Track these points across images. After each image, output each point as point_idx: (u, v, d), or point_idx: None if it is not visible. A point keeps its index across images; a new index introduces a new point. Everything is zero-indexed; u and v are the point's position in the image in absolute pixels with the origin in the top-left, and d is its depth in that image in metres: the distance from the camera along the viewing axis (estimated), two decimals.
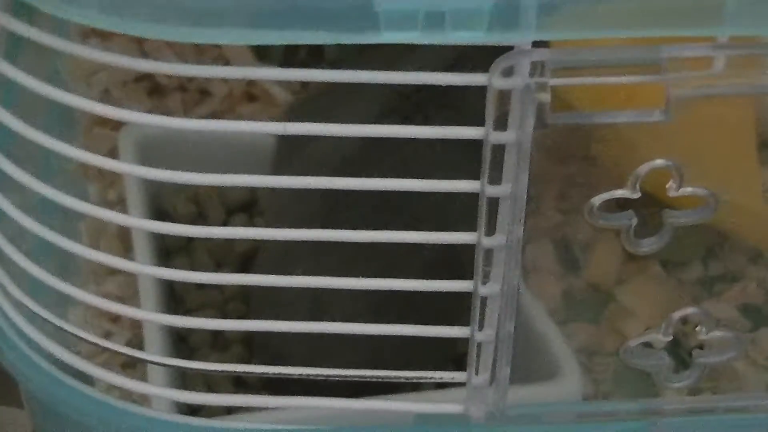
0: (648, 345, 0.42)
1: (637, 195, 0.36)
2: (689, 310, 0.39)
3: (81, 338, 0.43)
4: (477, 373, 0.39)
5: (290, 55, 0.55)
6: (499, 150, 0.35)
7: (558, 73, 0.34)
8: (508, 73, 0.34)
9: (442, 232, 0.37)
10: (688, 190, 0.36)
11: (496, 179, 0.36)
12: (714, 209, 0.36)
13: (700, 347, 0.42)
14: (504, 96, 0.35)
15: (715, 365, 0.40)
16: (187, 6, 0.33)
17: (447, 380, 0.40)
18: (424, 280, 0.38)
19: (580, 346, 0.52)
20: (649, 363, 0.40)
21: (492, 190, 0.36)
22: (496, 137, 0.35)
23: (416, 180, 0.36)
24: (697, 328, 0.40)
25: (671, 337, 0.40)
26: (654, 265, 0.54)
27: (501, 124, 0.35)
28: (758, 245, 0.55)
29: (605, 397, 0.50)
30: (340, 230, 0.38)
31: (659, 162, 0.36)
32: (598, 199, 0.36)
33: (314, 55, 0.55)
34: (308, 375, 0.41)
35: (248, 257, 0.52)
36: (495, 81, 0.34)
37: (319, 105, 0.46)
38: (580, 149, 0.39)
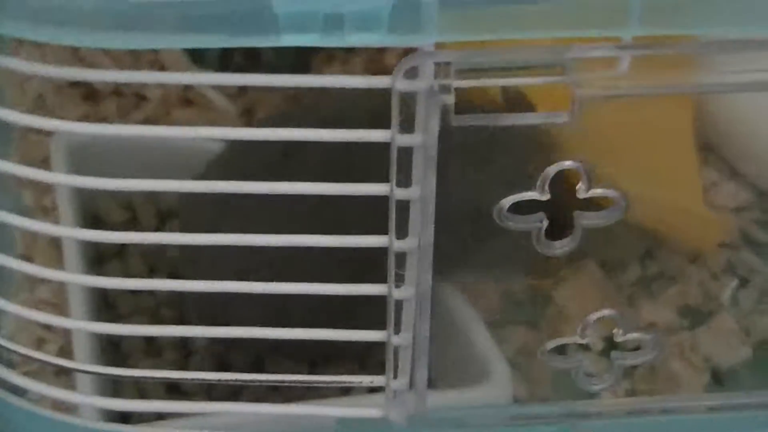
0: (586, 347, 0.42)
1: (546, 197, 0.36)
2: (606, 312, 0.39)
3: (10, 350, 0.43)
4: (395, 377, 0.39)
5: (226, 59, 0.55)
6: (406, 153, 0.35)
7: (463, 74, 0.34)
8: (412, 74, 0.34)
9: (355, 236, 0.37)
10: (598, 191, 0.36)
11: (404, 182, 0.36)
12: (624, 210, 0.36)
13: (637, 349, 0.42)
14: (410, 98, 0.35)
15: (630, 367, 0.40)
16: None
17: (366, 384, 0.40)
18: (340, 284, 0.38)
19: (518, 349, 0.51)
20: (566, 365, 0.40)
21: (401, 193, 0.36)
22: (402, 140, 0.35)
23: (323, 184, 0.36)
24: (614, 331, 0.39)
25: (587, 340, 0.39)
26: (591, 266, 0.53)
27: (408, 126, 0.35)
28: (698, 246, 0.54)
29: (542, 400, 0.50)
30: (260, 235, 0.38)
31: (568, 163, 0.35)
32: (507, 201, 0.36)
33: (250, 59, 0.55)
34: (236, 380, 0.42)
35: None
36: (398, 83, 0.34)
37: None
38: (496, 150, 0.39)
